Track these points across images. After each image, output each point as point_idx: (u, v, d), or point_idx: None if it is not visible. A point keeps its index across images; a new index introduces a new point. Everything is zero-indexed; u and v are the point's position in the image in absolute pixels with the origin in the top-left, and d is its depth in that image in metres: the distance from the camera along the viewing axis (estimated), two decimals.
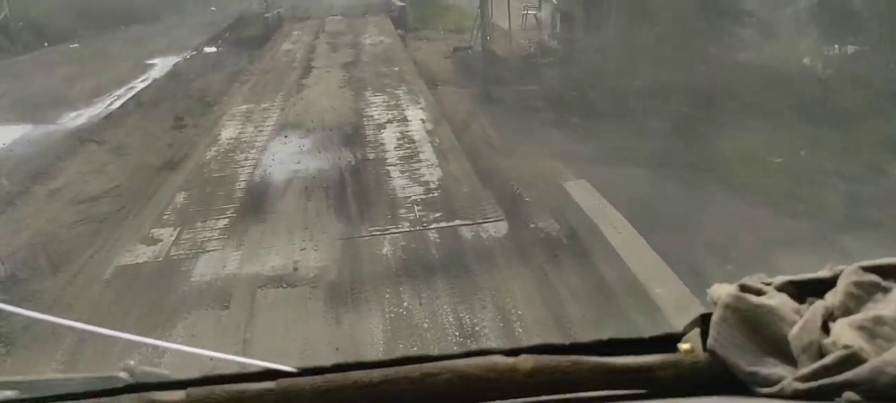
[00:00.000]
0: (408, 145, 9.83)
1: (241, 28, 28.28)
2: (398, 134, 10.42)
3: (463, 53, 21.91)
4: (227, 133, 11.15)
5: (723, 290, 0.68)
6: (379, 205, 7.64)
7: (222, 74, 20.44)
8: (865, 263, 0.65)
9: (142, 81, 21.44)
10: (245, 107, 12.91)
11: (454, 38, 26.53)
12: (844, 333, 0.59)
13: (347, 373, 0.69)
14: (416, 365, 0.69)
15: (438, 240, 6.69)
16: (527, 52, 20.58)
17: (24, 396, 0.79)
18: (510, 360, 0.67)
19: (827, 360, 0.58)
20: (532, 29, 24.43)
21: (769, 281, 0.69)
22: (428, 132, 10.43)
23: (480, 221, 6.95)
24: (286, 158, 9.50)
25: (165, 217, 7.65)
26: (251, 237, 6.90)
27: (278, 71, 16.36)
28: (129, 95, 19.60)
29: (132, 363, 0.81)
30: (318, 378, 0.70)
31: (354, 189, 8.19)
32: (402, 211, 7.45)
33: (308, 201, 7.87)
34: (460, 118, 13.50)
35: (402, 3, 26.02)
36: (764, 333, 0.64)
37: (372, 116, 11.55)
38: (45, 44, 30.30)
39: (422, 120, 11.15)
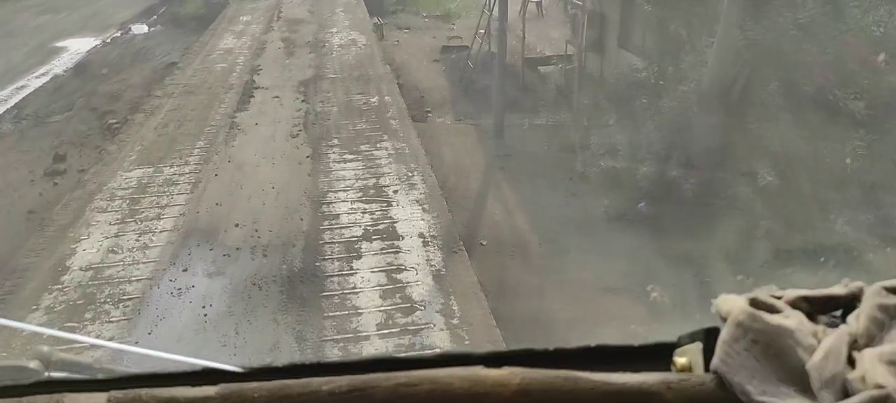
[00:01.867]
0: (408, 324, 5.21)
1: (180, 2, 22.83)
2: (387, 284, 5.71)
3: (456, 55, 17.07)
4: (91, 244, 6.34)
5: (732, 303, 0.58)
6: None
7: (140, 76, 15.24)
8: (888, 283, 0.57)
9: (38, 76, 16.01)
10: (140, 172, 8.01)
11: (440, 26, 21.54)
12: (875, 369, 0.52)
13: (306, 380, 0.55)
14: (390, 374, 0.56)
15: None
16: (540, 58, 15.93)
17: None
18: (495, 374, 0.57)
19: (856, 400, 0.51)
20: (532, 19, 19.61)
21: (780, 294, 0.60)
22: (435, 277, 5.77)
23: None
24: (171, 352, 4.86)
25: None
26: None
27: (206, 90, 11.34)
28: (15, 99, 14.34)
29: (45, 349, 0.66)
30: (269, 384, 0.55)
31: None
32: None
33: None
34: (472, 193, 8.81)
35: None
36: (779, 358, 0.56)
37: (338, 218, 6.77)
38: None
39: (421, 236, 6.45)
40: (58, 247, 6.36)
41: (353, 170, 7.95)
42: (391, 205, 7.04)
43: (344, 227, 6.58)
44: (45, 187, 9.20)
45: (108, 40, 19.20)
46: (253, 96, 10.81)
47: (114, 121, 11.46)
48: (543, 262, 7.00)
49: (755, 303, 0.58)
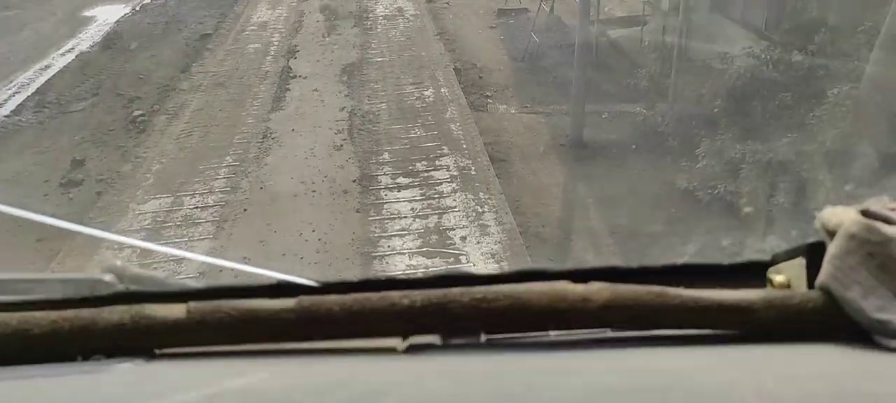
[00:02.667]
0: None
1: None
2: None
3: (514, 19, 15.06)
4: None
5: (842, 215, 0.52)
6: None
7: (171, 51, 13.87)
8: None
9: (64, 53, 14.86)
10: (155, 204, 6.67)
11: None
12: None
13: (384, 293, 0.54)
14: (467, 289, 0.53)
15: None
16: (609, 20, 13.85)
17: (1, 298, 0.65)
18: (581, 289, 0.53)
19: None
20: None
21: (895, 205, 0.53)
22: None
23: None
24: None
25: None
26: None
27: (238, 80, 9.84)
28: (38, 82, 13.19)
29: (119, 263, 0.66)
30: (346, 298, 0.54)
31: None
32: None
33: None
34: (553, 219, 7.11)
35: None
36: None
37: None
38: None
39: None
40: None
41: (410, 202, 6.38)
42: (459, 262, 5.49)
43: None
44: (59, 202, 8.02)
45: (139, 7, 17.85)
46: (289, 88, 9.27)
47: (139, 112, 10.16)
48: None
49: (868, 214, 0.52)
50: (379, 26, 11.87)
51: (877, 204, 0.53)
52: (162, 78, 12.01)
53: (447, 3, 15.85)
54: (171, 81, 11.78)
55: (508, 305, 0.52)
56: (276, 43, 11.27)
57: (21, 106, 11.69)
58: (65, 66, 13.59)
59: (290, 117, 8.38)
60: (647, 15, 13.94)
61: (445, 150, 7.40)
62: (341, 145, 7.54)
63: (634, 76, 10.48)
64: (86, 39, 15.43)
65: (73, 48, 14.85)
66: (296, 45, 11.02)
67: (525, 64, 12.04)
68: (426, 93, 8.92)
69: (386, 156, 7.30)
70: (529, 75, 11.51)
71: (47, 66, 13.72)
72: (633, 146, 8.75)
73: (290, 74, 9.77)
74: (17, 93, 12.42)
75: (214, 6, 16.96)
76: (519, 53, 12.48)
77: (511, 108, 10.38)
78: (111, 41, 15.00)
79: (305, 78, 9.60)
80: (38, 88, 12.46)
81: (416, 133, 7.80)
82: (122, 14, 17.27)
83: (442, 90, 8.99)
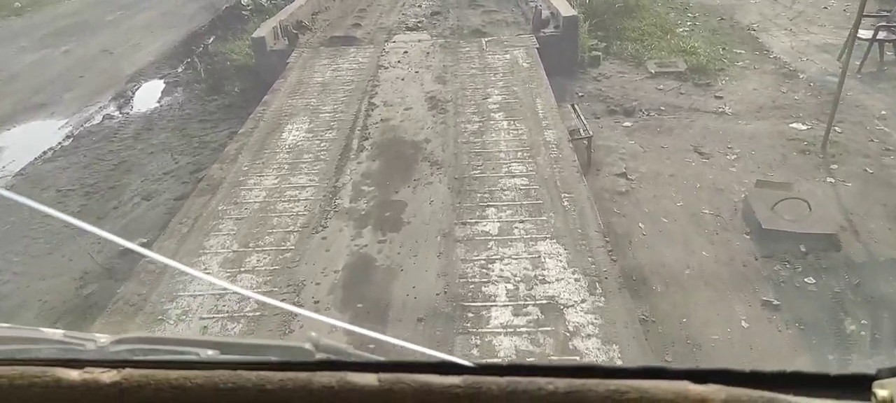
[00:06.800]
0: None
1: (231, 37, 13.78)
2: None
3: (829, 274, 6.15)
4: None
5: None
6: None
7: (60, 294, 6.18)
8: None
9: None
10: None
11: (696, 100, 10.09)
12: None
13: (534, 378, 0.66)
14: (603, 380, 0.64)
15: None
16: None
17: (224, 357, 0.80)
18: (700, 389, 0.62)
19: None
20: (866, 74, 8.19)
21: None
22: None
23: None
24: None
25: None
26: None
27: None
28: None
29: (314, 335, 0.77)
30: (501, 380, 0.66)
31: None
32: None
33: None
34: None
35: (572, 12, 10.36)
36: None
37: None
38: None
39: None
40: None
41: None
42: None
43: None
44: None
45: (80, 131, 10.33)
46: None
47: None
48: None
49: None
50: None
51: None
52: None
53: (625, 179, 7.49)
54: None
55: (636, 398, 0.60)
56: None
57: None
58: None
59: None
60: None
61: None
62: None
63: None
64: None
65: None
66: None
67: None
68: None
69: None
70: None
71: None
72: None
73: None
74: None
75: (187, 151, 9.33)
76: None
77: None
78: None
79: None
80: None
81: None
82: (41, 152, 9.80)
83: None
